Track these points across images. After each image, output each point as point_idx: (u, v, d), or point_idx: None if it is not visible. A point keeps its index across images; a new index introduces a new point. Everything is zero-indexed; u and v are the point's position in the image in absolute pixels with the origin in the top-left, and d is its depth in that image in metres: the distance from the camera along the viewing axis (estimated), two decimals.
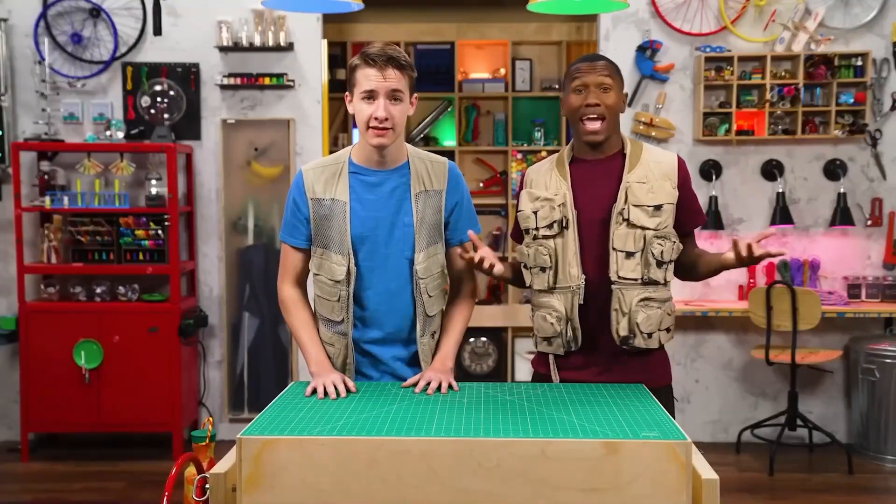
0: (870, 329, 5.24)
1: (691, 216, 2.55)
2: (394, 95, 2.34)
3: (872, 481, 4.70)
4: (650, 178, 2.45)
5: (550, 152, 6.36)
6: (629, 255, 2.42)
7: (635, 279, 2.42)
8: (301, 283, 2.54)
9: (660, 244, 2.42)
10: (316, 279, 2.48)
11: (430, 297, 2.48)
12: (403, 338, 2.49)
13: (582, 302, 2.44)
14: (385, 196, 2.44)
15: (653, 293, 2.44)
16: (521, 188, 2.61)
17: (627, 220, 2.41)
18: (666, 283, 2.48)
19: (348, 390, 2.27)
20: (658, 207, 2.43)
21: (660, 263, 2.43)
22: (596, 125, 2.44)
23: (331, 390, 2.24)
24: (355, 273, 2.42)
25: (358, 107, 2.37)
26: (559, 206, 2.46)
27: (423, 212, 2.45)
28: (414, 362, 2.51)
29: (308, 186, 2.45)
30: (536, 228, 2.49)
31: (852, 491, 4.53)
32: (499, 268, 2.47)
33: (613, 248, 2.42)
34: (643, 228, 2.42)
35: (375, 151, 2.42)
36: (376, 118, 2.33)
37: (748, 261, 2.35)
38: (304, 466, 1.82)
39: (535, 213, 2.49)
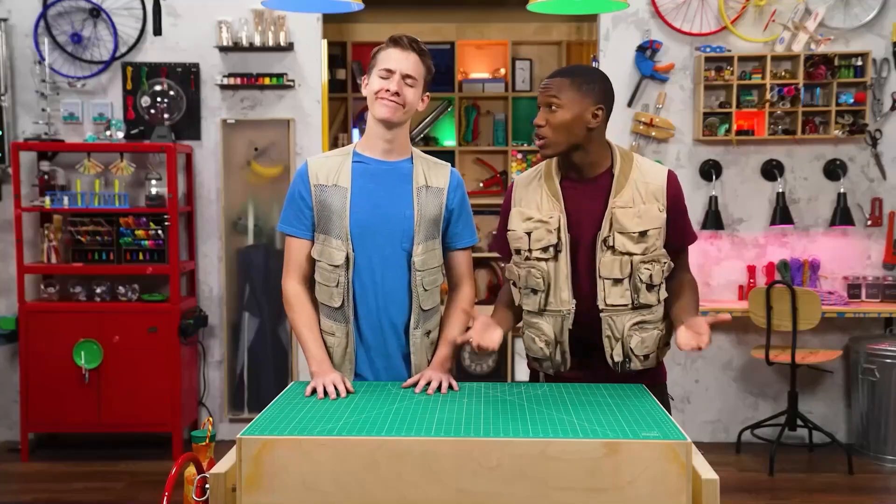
0: (870, 329, 5.24)
1: (681, 236, 2.46)
2: (409, 78, 2.41)
3: (872, 481, 4.70)
4: (637, 201, 2.36)
5: None
6: (616, 281, 2.35)
7: (625, 305, 2.36)
8: (306, 279, 2.54)
9: (647, 268, 2.35)
10: (317, 265, 2.50)
11: (425, 290, 2.49)
12: (399, 330, 2.50)
13: (571, 327, 2.39)
14: (387, 186, 2.47)
15: (646, 315, 2.39)
16: (509, 202, 2.51)
17: (612, 247, 2.35)
18: (660, 303, 2.41)
19: (348, 391, 2.27)
20: (643, 233, 2.35)
21: (650, 287, 2.37)
22: (540, 142, 2.37)
23: (330, 390, 2.24)
24: (354, 259, 2.44)
25: (372, 82, 2.43)
26: (555, 229, 2.38)
27: (423, 206, 2.47)
28: (407, 357, 2.51)
29: (312, 174, 2.49)
30: (529, 250, 2.41)
31: (852, 491, 4.53)
32: (498, 337, 2.34)
33: (600, 276, 2.36)
34: (629, 254, 2.35)
35: (381, 132, 2.45)
36: (387, 90, 2.40)
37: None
38: (304, 466, 1.82)
39: (529, 234, 2.40)
